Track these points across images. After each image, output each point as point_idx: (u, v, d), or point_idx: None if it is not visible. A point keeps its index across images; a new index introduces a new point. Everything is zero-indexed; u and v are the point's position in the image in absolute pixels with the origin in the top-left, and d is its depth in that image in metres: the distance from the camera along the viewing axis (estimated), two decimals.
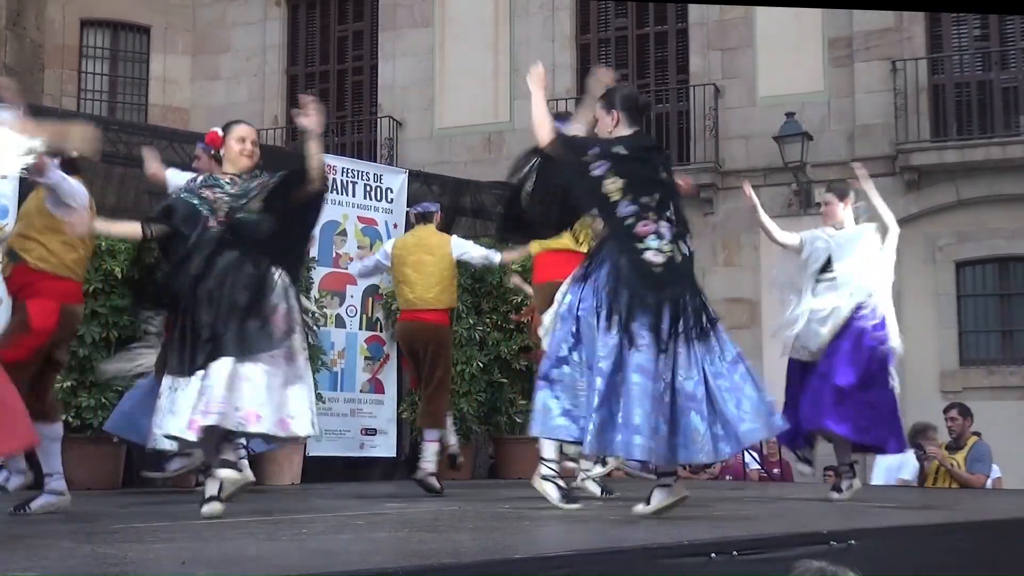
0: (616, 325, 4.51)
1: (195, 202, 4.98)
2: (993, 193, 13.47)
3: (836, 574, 2.51)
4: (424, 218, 7.50)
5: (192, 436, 4.72)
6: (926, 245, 13.67)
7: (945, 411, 8.97)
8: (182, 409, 4.73)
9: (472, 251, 7.36)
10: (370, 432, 9.46)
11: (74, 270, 5.25)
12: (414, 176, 10.50)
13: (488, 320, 9.71)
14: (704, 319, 4.59)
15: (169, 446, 5.18)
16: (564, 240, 5.97)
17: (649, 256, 4.58)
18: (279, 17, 17.17)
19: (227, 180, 5.08)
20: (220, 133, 5.30)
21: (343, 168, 9.67)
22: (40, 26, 16.53)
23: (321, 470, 8.81)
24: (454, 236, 7.52)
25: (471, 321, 9.48)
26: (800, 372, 6.33)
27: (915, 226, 13.67)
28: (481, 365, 9.47)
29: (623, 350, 4.47)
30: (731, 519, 4.88)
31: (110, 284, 7.57)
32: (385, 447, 9.57)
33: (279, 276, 4.99)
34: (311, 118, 5.02)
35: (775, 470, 10.19)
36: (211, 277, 4.83)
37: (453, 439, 7.46)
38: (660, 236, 4.61)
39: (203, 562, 3.13)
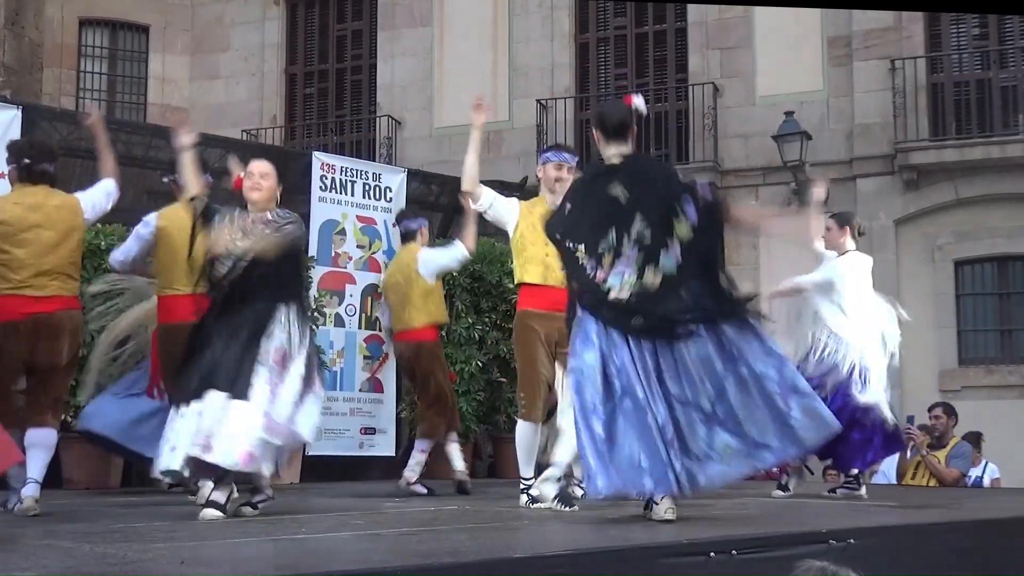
0: None
1: None
2: (992, 192, 13.46)
3: (836, 574, 2.51)
4: (405, 238, 7.67)
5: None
6: (925, 244, 13.66)
7: (930, 409, 8.91)
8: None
9: (440, 259, 7.41)
10: (369, 431, 9.43)
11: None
12: (413, 175, 10.49)
13: (487, 319, 9.67)
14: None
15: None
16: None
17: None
18: (278, 16, 17.15)
19: None
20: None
21: (342, 167, 9.65)
22: (39, 25, 16.51)
23: (320, 470, 8.79)
24: (421, 250, 7.49)
25: (470, 320, 9.45)
26: None
27: (914, 225, 13.71)
28: (480, 364, 9.43)
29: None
30: (731, 519, 4.88)
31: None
32: (384, 446, 9.54)
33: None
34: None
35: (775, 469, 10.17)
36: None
37: (460, 464, 7.30)
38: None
39: (203, 562, 3.13)
